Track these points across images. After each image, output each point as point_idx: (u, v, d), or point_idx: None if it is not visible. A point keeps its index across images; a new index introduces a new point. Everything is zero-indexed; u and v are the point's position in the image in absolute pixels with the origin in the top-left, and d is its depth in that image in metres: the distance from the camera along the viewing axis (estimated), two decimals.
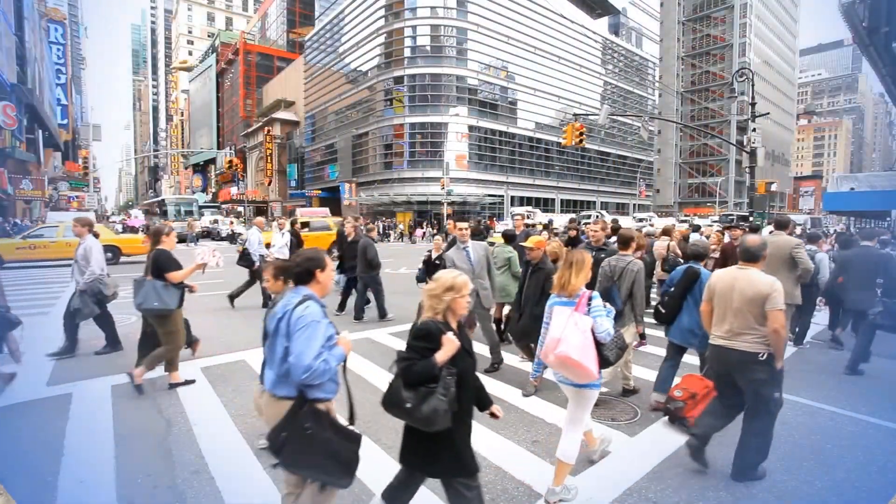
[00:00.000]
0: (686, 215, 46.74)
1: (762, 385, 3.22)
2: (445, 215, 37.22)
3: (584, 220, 28.85)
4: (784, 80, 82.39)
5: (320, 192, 62.98)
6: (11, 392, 4.77)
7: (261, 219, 10.84)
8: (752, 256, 3.35)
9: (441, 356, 2.23)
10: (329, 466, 2.23)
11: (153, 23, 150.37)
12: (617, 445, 3.80)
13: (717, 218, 30.89)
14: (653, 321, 5.08)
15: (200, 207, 36.83)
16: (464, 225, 5.59)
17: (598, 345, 2.94)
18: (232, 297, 8.98)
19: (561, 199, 60.99)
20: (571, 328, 2.87)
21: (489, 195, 50.16)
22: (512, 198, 51.26)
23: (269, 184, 73.43)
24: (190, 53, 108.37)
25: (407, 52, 50.74)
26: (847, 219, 41.26)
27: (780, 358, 3.19)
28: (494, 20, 52.49)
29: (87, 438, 3.83)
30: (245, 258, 9.01)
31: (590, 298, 3.07)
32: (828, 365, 6.13)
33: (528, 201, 53.72)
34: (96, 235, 6.24)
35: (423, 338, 2.29)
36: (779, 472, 3.44)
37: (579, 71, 63.26)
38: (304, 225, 17.37)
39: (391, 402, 2.26)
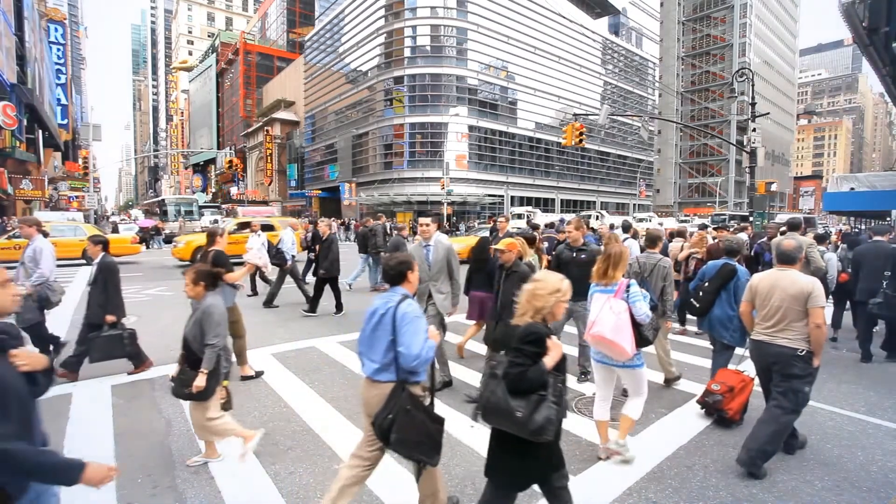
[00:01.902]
0: (686, 215, 46.72)
1: (795, 379, 3.39)
2: (446, 215, 37.22)
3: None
4: (784, 80, 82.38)
5: (320, 192, 63.00)
6: None
7: (293, 219, 11.27)
8: (789, 259, 3.56)
9: (550, 361, 2.15)
10: (426, 445, 2.46)
11: (153, 23, 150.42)
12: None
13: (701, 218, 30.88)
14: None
15: (200, 207, 36.79)
16: (426, 220, 4.89)
17: (637, 326, 3.30)
18: (269, 301, 9.21)
19: (561, 199, 61.00)
20: (606, 311, 3.24)
21: (489, 195, 50.15)
22: (512, 198, 51.26)
23: (269, 184, 73.44)
24: (190, 53, 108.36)
25: (407, 52, 50.75)
26: (848, 219, 41.26)
27: (819, 355, 3.37)
28: (494, 20, 52.49)
29: (87, 438, 3.83)
30: (278, 257, 9.31)
31: (628, 286, 3.41)
32: (828, 365, 6.13)
33: (528, 201, 53.72)
34: (46, 235, 5.86)
35: (534, 342, 2.17)
36: (779, 472, 3.44)
37: (579, 71, 63.26)
38: (245, 225, 16.03)
39: (496, 411, 2.12)
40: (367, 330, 2.64)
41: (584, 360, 5.28)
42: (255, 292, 10.34)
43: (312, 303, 8.54)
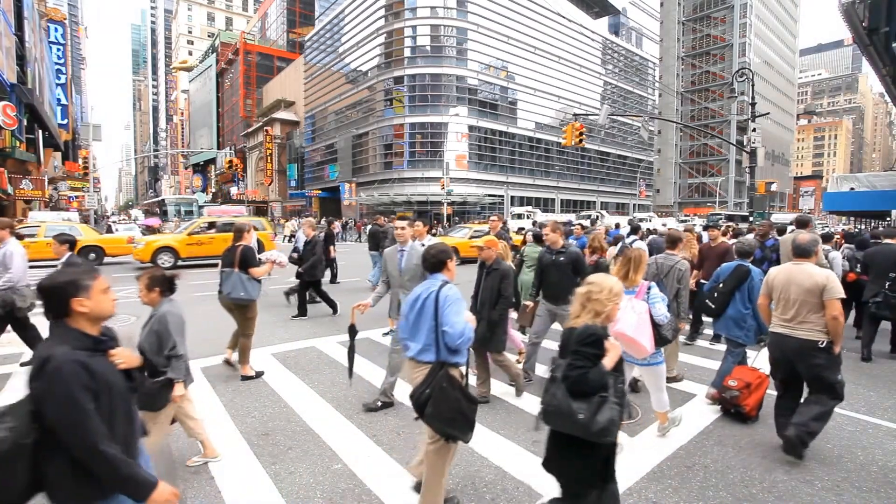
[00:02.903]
0: (686, 215, 46.72)
1: (823, 370, 3.50)
2: (446, 215, 37.22)
3: (583, 219, 28.84)
4: (784, 80, 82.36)
5: (320, 192, 63.02)
6: (11, 392, 4.77)
7: (310, 219, 11.64)
8: (804, 252, 3.68)
9: (609, 362, 2.15)
10: (458, 421, 2.62)
11: (153, 23, 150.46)
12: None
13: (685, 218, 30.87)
14: None
15: (200, 207, 36.84)
16: (401, 224, 4.69)
17: (657, 326, 3.47)
18: (288, 294, 9.37)
19: (561, 199, 61.01)
20: (629, 311, 3.30)
21: (489, 195, 50.17)
22: (512, 198, 51.26)
23: (269, 184, 73.45)
24: (190, 53, 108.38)
25: (407, 52, 50.77)
26: (848, 219, 41.26)
27: (839, 343, 3.50)
28: (494, 20, 52.52)
29: None
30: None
31: (648, 288, 3.63)
32: None
33: (528, 201, 53.74)
34: (20, 238, 5.47)
35: (593, 343, 2.16)
36: (779, 472, 3.44)
37: (579, 71, 63.30)
38: (211, 225, 15.90)
39: (557, 413, 2.10)
40: (411, 317, 2.85)
41: (531, 366, 5.24)
42: None
43: (300, 307, 8.41)
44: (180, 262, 14.70)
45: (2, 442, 1.51)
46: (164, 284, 3.11)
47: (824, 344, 3.46)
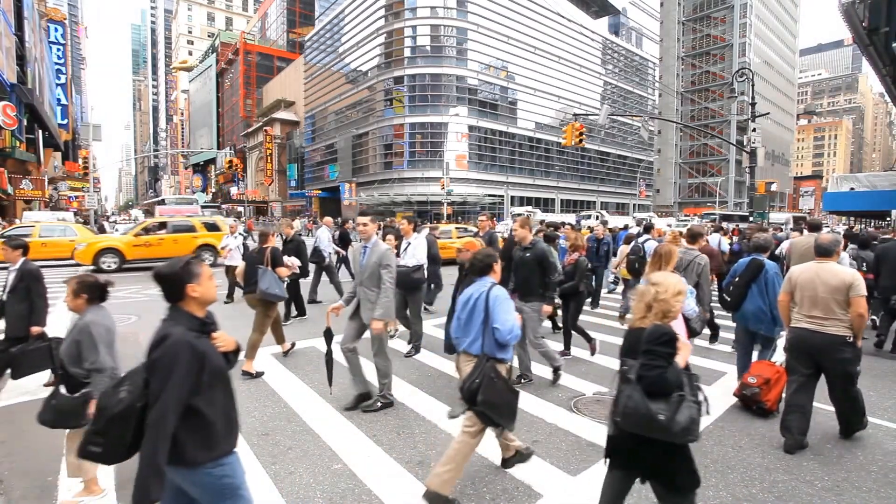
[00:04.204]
0: (686, 215, 46.71)
1: (849, 364, 3.69)
2: (445, 215, 37.24)
3: (583, 220, 28.83)
4: (784, 80, 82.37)
5: (320, 192, 63.05)
6: (11, 392, 4.77)
7: (329, 218, 11.84)
8: (826, 252, 3.85)
9: (682, 360, 2.16)
10: (503, 409, 2.88)
11: (153, 23, 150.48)
12: None
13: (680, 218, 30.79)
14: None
15: (201, 207, 36.82)
16: (363, 219, 4.46)
17: (686, 319, 3.63)
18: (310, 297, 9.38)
19: (561, 199, 61.01)
20: None
21: (489, 195, 50.18)
22: (512, 198, 51.27)
23: (270, 184, 73.47)
24: (190, 53, 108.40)
25: (407, 52, 50.79)
26: (848, 219, 41.26)
27: (860, 338, 3.74)
28: (494, 20, 52.52)
29: None
30: (316, 254, 9.58)
31: None
32: None
33: (528, 201, 53.75)
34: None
35: (668, 343, 2.14)
36: (779, 471, 3.44)
37: (579, 71, 63.30)
38: (162, 226, 15.01)
39: (635, 415, 2.07)
40: (462, 315, 3.10)
41: (525, 367, 5.11)
42: (231, 299, 9.77)
43: (286, 309, 8.03)
44: (126, 265, 13.87)
45: (120, 402, 1.76)
46: (93, 291, 2.86)
47: (851, 339, 3.65)
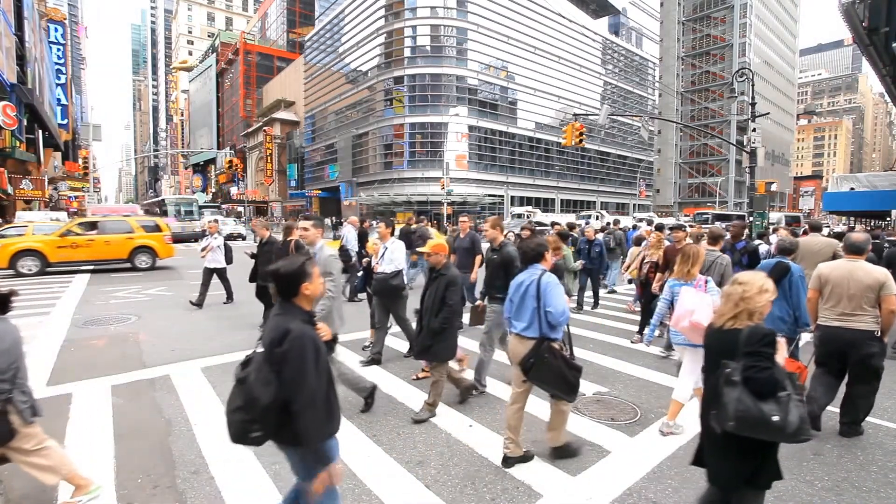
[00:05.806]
0: (686, 215, 46.69)
1: (875, 358, 3.81)
2: (445, 215, 37.22)
3: (583, 219, 28.82)
4: (784, 80, 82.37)
5: (320, 192, 63.03)
6: None
7: (354, 217, 11.59)
8: (858, 250, 3.94)
9: (781, 359, 2.14)
10: (559, 383, 3.29)
11: (153, 23, 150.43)
12: (617, 445, 3.81)
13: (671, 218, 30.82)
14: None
15: (200, 207, 36.80)
16: (305, 224, 4.39)
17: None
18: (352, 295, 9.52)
19: (561, 199, 61.01)
20: (701, 302, 3.57)
21: (489, 195, 50.17)
22: (512, 198, 51.29)
23: (270, 184, 73.47)
24: (190, 53, 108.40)
25: (407, 52, 50.78)
26: (847, 219, 41.25)
27: (888, 334, 3.86)
28: (494, 20, 52.51)
29: (87, 438, 3.83)
30: (343, 253, 9.55)
31: (705, 281, 4.08)
32: None
33: (528, 201, 53.75)
34: None
35: (771, 343, 2.10)
36: None
37: (579, 71, 63.29)
38: (92, 226, 14.03)
39: (747, 419, 2.01)
40: (515, 299, 3.43)
41: (481, 376, 4.91)
42: (230, 299, 9.68)
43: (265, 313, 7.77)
44: (49, 269, 13.05)
45: (269, 393, 1.97)
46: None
47: (878, 334, 3.77)
